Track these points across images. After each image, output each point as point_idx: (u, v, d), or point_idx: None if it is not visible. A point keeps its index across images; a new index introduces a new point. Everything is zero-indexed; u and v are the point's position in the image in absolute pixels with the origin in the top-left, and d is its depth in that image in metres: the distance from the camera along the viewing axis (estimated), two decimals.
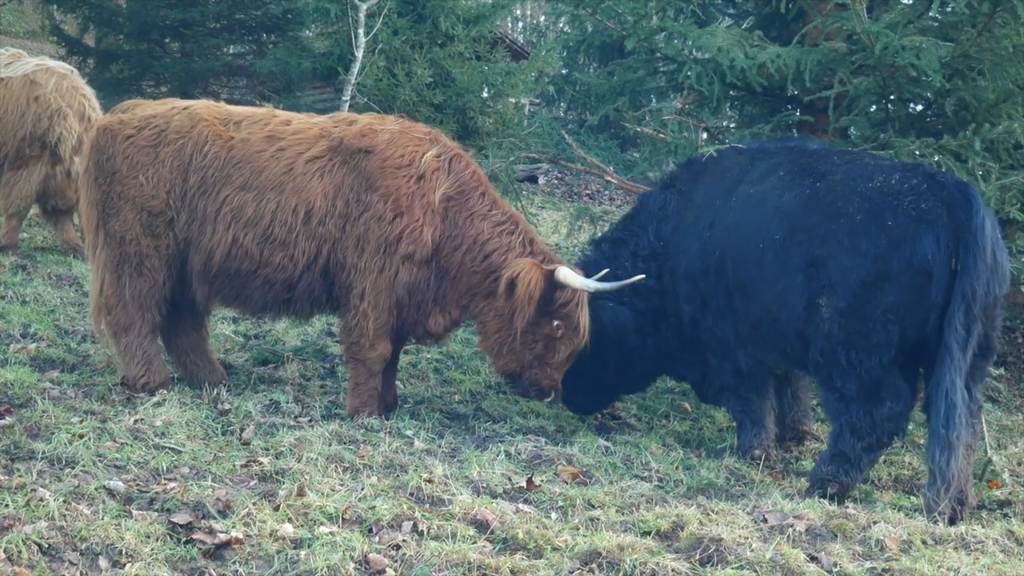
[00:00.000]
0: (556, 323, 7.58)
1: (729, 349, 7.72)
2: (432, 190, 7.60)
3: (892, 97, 9.07)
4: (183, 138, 7.77)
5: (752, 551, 5.44)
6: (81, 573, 4.88)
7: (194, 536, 5.26)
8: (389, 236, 7.50)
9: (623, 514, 6.06)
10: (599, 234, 8.98)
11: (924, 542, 5.90)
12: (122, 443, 6.54)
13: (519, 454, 7.15)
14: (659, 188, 8.40)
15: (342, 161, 7.65)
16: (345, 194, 7.58)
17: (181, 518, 5.43)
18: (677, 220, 8.04)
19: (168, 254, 7.80)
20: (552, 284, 7.47)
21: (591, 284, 7.55)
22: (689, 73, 9.60)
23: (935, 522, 6.33)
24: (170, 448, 6.59)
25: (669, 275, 8.03)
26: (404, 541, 5.36)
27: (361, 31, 14.43)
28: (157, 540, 5.18)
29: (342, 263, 7.61)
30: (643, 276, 7.78)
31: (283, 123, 7.87)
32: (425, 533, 5.52)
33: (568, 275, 7.48)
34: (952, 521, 6.48)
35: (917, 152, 8.50)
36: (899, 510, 6.57)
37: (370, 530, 5.52)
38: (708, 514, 6.02)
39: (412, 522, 5.60)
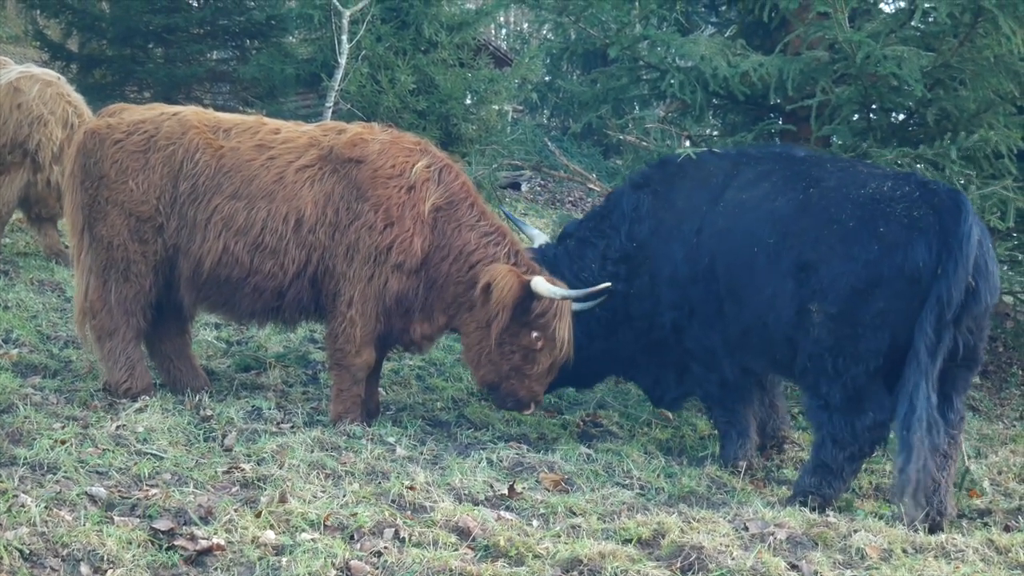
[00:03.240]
0: (535, 334, 7.55)
1: (716, 359, 7.69)
2: (422, 200, 7.60)
3: (874, 106, 9.11)
4: (173, 144, 7.75)
5: (733, 559, 5.45)
6: None
7: (176, 542, 5.25)
8: (380, 245, 7.50)
9: (604, 522, 6.07)
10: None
11: (904, 551, 5.92)
12: (104, 449, 6.53)
13: (501, 461, 7.15)
14: (630, 187, 8.23)
15: (332, 170, 7.64)
16: (335, 203, 7.58)
17: (163, 524, 5.41)
18: (654, 222, 7.95)
19: (155, 260, 7.78)
20: (529, 294, 7.46)
21: (558, 292, 7.51)
22: (672, 81, 9.63)
23: (915, 531, 6.34)
24: (152, 454, 6.57)
25: (648, 278, 7.94)
26: (386, 548, 5.36)
27: (344, 37, 14.47)
28: (139, 546, 5.17)
29: (331, 271, 7.60)
30: (609, 284, 7.75)
31: (272, 131, 7.86)
32: (407, 540, 5.51)
33: (540, 284, 7.44)
34: (932, 530, 6.50)
35: (896, 162, 8.53)
36: (880, 519, 6.59)
37: (352, 537, 5.52)
38: (689, 522, 6.03)
39: (394, 529, 5.60)
